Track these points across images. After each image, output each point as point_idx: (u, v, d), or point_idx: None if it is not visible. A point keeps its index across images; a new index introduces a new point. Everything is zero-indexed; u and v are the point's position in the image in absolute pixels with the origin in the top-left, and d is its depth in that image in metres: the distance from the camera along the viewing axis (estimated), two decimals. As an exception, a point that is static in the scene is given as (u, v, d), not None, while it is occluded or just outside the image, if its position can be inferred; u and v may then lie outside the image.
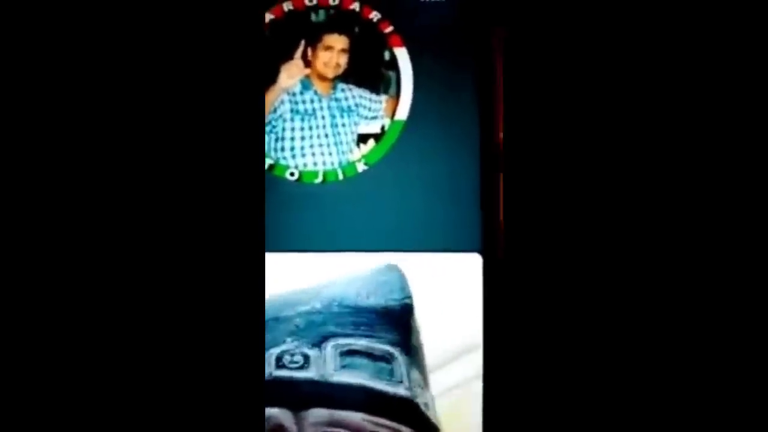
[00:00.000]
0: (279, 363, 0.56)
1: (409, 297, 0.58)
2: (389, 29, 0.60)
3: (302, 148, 0.59)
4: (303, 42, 0.60)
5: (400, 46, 0.60)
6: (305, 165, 0.59)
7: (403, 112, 0.59)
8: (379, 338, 0.57)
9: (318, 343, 0.56)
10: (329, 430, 0.54)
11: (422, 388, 0.57)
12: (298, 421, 0.54)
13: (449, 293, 0.57)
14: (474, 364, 0.56)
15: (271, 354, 0.56)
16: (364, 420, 0.54)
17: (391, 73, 0.60)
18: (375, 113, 0.59)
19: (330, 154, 0.59)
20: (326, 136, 0.59)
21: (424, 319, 0.58)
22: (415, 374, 0.56)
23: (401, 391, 0.55)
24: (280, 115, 0.59)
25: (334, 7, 0.61)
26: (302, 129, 0.59)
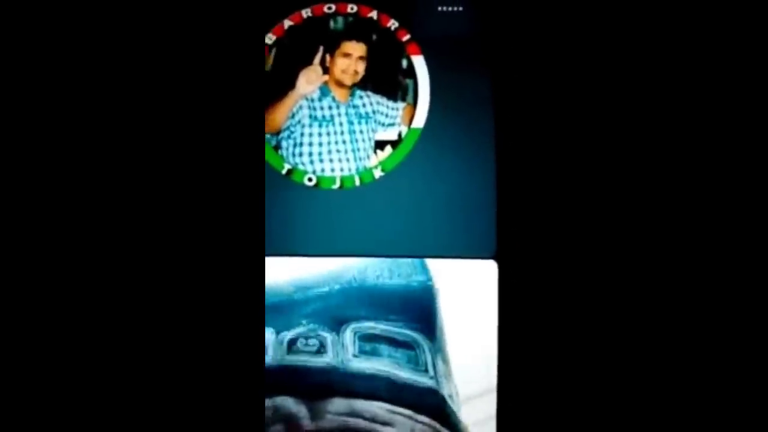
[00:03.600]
0: (292, 347, 0.51)
1: (432, 279, 0.54)
2: (407, 37, 0.61)
3: (320, 153, 0.60)
4: (321, 49, 0.61)
5: (418, 54, 0.61)
6: (323, 170, 0.59)
7: (420, 119, 0.60)
8: (401, 322, 0.53)
9: (336, 327, 0.52)
10: (347, 420, 0.49)
11: (447, 379, 0.53)
12: (312, 412, 0.49)
13: (464, 300, 0.57)
14: (489, 373, 0.54)
15: (284, 338, 0.51)
16: (385, 410, 0.49)
17: (409, 81, 0.60)
18: (392, 120, 0.60)
19: (347, 160, 0.60)
20: (344, 142, 0.60)
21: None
22: (440, 363, 0.53)
23: (426, 380, 0.51)
24: (299, 121, 0.60)
25: (353, 15, 0.62)
26: (320, 135, 0.60)
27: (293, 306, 0.53)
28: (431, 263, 0.56)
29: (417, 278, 0.55)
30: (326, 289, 0.54)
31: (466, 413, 0.55)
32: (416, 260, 0.56)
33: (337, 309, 0.53)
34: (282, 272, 0.57)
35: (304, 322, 0.52)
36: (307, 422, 0.48)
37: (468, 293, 0.57)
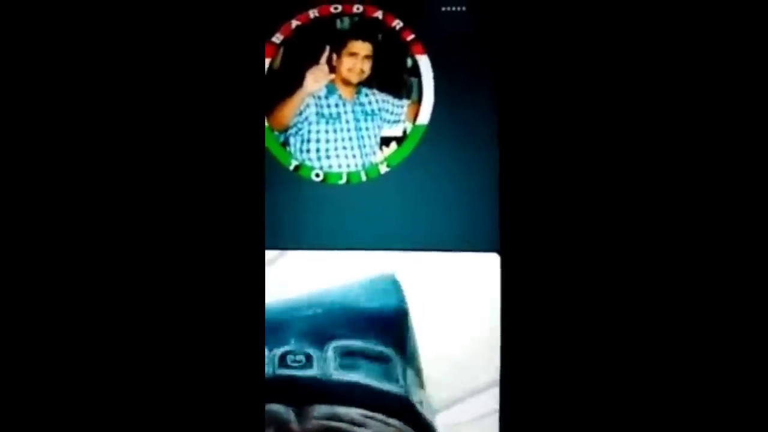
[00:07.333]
0: (282, 362, 0.59)
1: (404, 302, 0.61)
2: (411, 37, 0.62)
3: (327, 150, 0.61)
4: (328, 48, 0.62)
5: (422, 53, 0.62)
6: (330, 166, 0.61)
7: (424, 116, 0.61)
8: (376, 340, 0.60)
9: (320, 345, 0.60)
10: (328, 423, 0.57)
11: (417, 387, 0.60)
12: (300, 416, 0.57)
13: (467, 293, 0.59)
14: (492, 367, 0.58)
15: (275, 354, 0.59)
16: (360, 415, 0.57)
17: (413, 79, 0.62)
18: (397, 117, 0.62)
19: (354, 156, 0.61)
20: (350, 139, 0.62)
21: (441, 319, 0.60)
22: (411, 374, 0.60)
23: (397, 389, 0.59)
24: (306, 118, 0.62)
25: (359, 15, 0.63)
26: (327, 132, 0.62)
27: (284, 326, 0.61)
28: (405, 285, 0.61)
29: (390, 301, 0.61)
30: (311, 312, 0.61)
31: (469, 407, 0.59)
32: (390, 284, 0.61)
33: (321, 329, 0.61)
34: (287, 269, 0.60)
35: (292, 340, 0.60)
36: (294, 425, 0.56)
37: (472, 286, 0.58)
